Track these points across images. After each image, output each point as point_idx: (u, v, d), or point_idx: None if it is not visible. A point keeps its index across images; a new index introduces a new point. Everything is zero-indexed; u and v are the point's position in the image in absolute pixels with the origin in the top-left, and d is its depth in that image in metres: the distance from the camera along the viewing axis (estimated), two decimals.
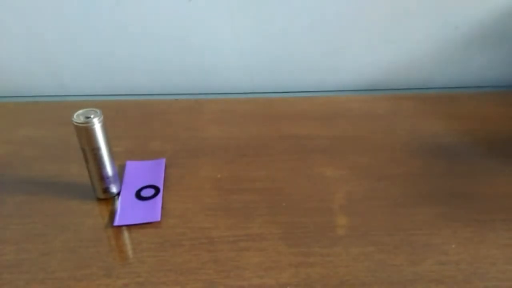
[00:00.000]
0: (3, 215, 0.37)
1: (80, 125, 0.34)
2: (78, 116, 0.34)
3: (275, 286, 0.30)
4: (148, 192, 0.39)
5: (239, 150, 0.45)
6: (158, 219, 0.36)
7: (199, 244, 0.34)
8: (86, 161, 0.36)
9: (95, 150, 0.35)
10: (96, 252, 0.33)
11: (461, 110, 0.52)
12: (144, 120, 0.51)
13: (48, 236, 0.34)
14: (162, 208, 0.37)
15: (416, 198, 0.38)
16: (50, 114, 0.52)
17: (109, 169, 0.37)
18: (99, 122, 0.34)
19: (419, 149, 0.45)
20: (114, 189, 0.38)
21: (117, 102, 0.56)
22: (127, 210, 0.37)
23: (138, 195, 0.38)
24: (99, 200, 0.38)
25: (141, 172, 0.41)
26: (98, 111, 0.34)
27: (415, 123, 0.49)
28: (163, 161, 0.43)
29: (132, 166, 0.42)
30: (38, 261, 0.32)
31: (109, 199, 0.38)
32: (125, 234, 0.35)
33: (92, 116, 0.34)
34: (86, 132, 0.34)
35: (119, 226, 0.35)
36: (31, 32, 0.55)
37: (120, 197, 0.38)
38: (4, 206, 0.38)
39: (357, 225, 0.35)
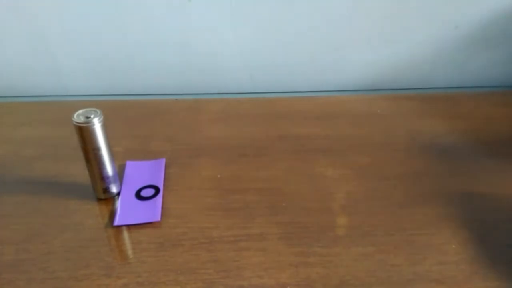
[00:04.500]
0: (3, 215, 0.37)
1: (80, 125, 0.34)
2: (78, 116, 0.34)
3: (275, 286, 0.30)
4: (148, 192, 0.39)
5: (239, 150, 0.45)
6: (158, 219, 0.36)
7: (199, 244, 0.34)
8: (86, 161, 0.36)
9: (95, 150, 0.35)
10: (96, 252, 0.33)
11: (461, 110, 0.52)
12: (144, 120, 0.51)
13: (48, 236, 0.34)
14: (162, 208, 0.37)
15: (416, 198, 0.38)
16: (50, 114, 0.52)
17: (109, 169, 0.37)
18: (99, 122, 0.34)
19: (419, 149, 0.45)
20: (114, 189, 0.38)
21: (117, 102, 0.56)
22: (127, 210, 0.37)
23: (138, 195, 0.38)
24: (99, 200, 0.38)
25: (141, 172, 0.41)
26: (98, 111, 0.34)
27: (415, 123, 0.49)
28: (163, 161, 0.43)
29: (132, 166, 0.42)
30: (38, 261, 0.32)
31: (109, 199, 0.38)
32: (125, 234, 0.35)
33: (92, 116, 0.34)
34: (86, 132, 0.34)
35: (119, 226, 0.35)
36: (32, 32, 0.55)
37: (120, 197, 0.38)
38: (4, 206, 0.38)
39: (357, 225, 0.35)
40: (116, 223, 0.35)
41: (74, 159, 0.42)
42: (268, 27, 0.56)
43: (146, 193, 0.39)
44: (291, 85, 0.60)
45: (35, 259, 0.32)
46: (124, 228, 0.35)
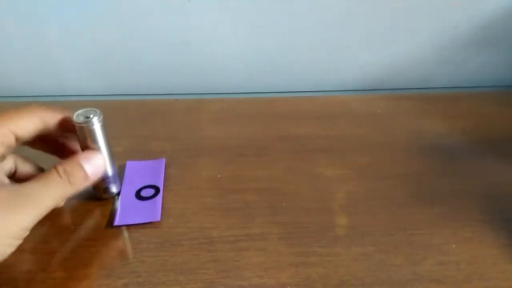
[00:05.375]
0: None
1: (80, 125, 0.34)
2: (77, 116, 0.34)
3: (275, 286, 0.30)
4: (148, 192, 0.39)
5: (239, 150, 0.45)
6: (158, 219, 0.36)
7: (199, 244, 0.34)
8: None
9: (95, 150, 0.35)
10: (96, 252, 0.33)
11: (461, 110, 0.52)
12: (144, 120, 0.51)
13: (48, 236, 0.34)
14: (162, 208, 0.37)
15: (416, 198, 0.38)
16: None
17: (109, 169, 0.37)
18: (99, 122, 0.34)
19: (419, 149, 0.45)
20: (114, 189, 0.38)
21: (117, 102, 0.56)
22: (127, 210, 0.37)
23: (138, 195, 0.38)
24: (99, 200, 0.38)
25: (141, 172, 0.41)
26: (97, 111, 0.34)
27: (415, 123, 0.49)
28: (163, 161, 0.43)
29: (132, 166, 0.42)
30: (38, 261, 0.32)
31: (109, 199, 0.38)
32: (125, 234, 0.35)
33: (91, 116, 0.34)
34: (85, 132, 0.34)
35: (119, 226, 0.35)
36: (31, 32, 0.55)
37: (120, 197, 0.38)
38: None
39: (357, 225, 0.35)
40: (116, 223, 0.35)
41: None
42: (268, 27, 0.56)
43: (146, 193, 0.39)
44: (291, 85, 0.60)
45: (35, 259, 0.32)
46: (124, 228, 0.35)
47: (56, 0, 0.53)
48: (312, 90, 0.60)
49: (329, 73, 0.60)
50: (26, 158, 0.36)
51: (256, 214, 0.36)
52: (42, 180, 0.30)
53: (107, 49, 0.57)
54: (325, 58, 0.58)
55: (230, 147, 0.45)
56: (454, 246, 0.33)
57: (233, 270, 0.31)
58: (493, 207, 0.37)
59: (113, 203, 0.38)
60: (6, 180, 0.32)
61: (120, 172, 0.41)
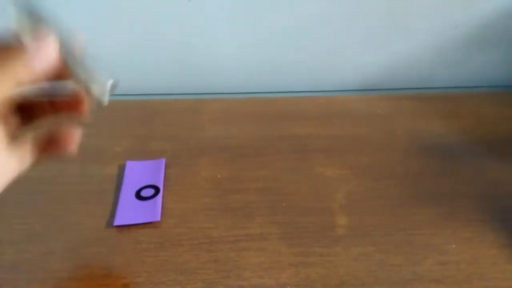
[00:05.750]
0: (3, 215, 0.37)
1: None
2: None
3: (275, 286, 0.30)
4: (148, 192, 0.39)
5: (239, 150, 0.45)
6: (158, 219, 0.36)
7: (199, 244, 0.34)
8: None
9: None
10: (96, 252, 0.33)
11: (461, 110, 0.52)
12: (144, 120, 0.51)
13: (48, 236, 0.34)
14: (162, 208, 0.37)
15: (416, 198, 0.38)
16: None
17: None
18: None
19: (419, 149, 0.45)
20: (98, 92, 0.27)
21: (117, 102, 0.56)
22: (127, 210, 0.37)
23: (138, 195, 0.38)
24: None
25: (141, 172, 0.41)
26: None
27: (415, 123, 0.49)
28: (163, 161, 0.43)
29: (132, 166, 0.42)
30: (38, 261, 0.32)
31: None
32: (125, 234, 0.35)
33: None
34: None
35: (119, 226, 0.35)
36: None
37: (120, 197, 0.38)
38: (4, 206, 0.38)
39: (357, 225, 0.35)
40: (116, 223, 0.35)
41: (74, 158, 0.42)
42: (268, 27, 0.56)
43: (146, 193, 0.39)
44: (291, 85, 0.60)
45: (35, 259, 0.32)
46: (124, 228, 0.35)
47: (56, 0, 0.53)
48: (312, 90, 0.60)
49: (329, 73, 0.60)
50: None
51: (256, 214, 0.36)
52: None
53: (107, 49, 0.56)
54: (325, 58, 0.58)
55: (230, 147, 0.45)
56: (454, 246, 0.33)
57: (233, 270, 0.31)
58: (493, 207, 0.37)
59: (113, 203, 0.38)
60: None
61: (120, 172, 0.41)
